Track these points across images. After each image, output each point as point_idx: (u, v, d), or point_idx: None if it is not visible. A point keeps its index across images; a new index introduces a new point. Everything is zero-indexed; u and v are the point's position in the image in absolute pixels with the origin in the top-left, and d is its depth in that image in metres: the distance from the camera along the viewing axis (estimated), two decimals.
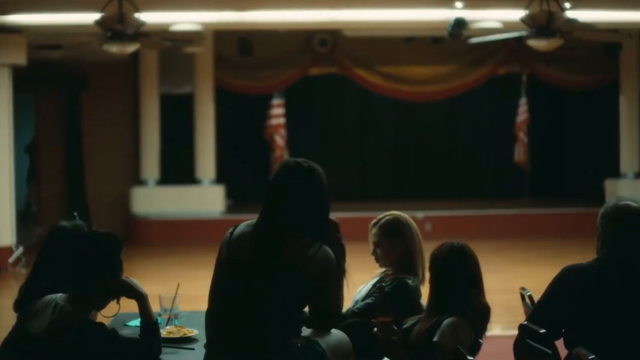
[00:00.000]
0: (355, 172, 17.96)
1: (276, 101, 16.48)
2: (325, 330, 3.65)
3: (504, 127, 17.25)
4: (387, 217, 4.81)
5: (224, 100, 16.27)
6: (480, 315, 4.09)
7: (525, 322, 3.82)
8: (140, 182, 15.06)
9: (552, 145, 17.47)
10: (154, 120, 15.01)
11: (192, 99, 15.08)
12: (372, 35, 14.62)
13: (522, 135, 16.93)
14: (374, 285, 4.73)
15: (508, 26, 10.74)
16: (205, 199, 14.95)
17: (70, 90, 15.38)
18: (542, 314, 3.77)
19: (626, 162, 15.52)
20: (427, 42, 14.89)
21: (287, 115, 16.72)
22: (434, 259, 4.15)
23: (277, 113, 16.53)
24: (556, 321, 3.71)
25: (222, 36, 14.77)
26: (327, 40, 15.27)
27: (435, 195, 17.23)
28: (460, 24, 10.28)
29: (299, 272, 3.41)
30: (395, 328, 3.89)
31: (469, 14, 10.45)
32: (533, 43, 9.26)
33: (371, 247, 4.82)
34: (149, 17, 9.67)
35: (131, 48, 9.22)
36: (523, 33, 9.28)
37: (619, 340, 3.59)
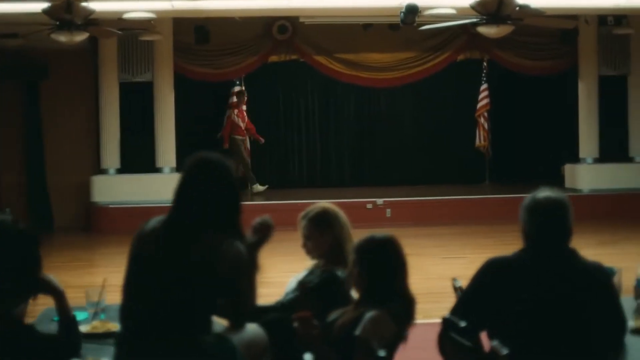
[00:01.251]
0: (317, 159, 17.97)
1: (237, 88, 16.49)
2: (240, 326, 3.65)
3: (466, 112, 17.35)
4: (315, 210, 4.82)
5: (186, 88, 16.23)
6: (406, 307, 4.10)
7: (447, 315, 3.80)
8: (100, 170, 14.96)
9: (513, 131, 17.58)
10: (113, 108, 14.91)
11: (151, 87, 14.98)
12: (331, 22, 14.58)
13: (482, 121, 17.05)
14: (305, 277, 4.74)
15: (462, 12, 10.75)
16: (166, 187, 14.62)
17: (30, 79, 15.25)
18: (465, 307, 3.72)
19: (585, 147, 15.61)
20: (385, 28, 14.89)
21: (250, 102, 16.73)
22: (358, 250, 4.14)
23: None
24: (479, 314, 3.65)
25: (180, 24, 14.69)
26: (287, 27, 15.22)
27: (398, 181, 17.28)
28: (412, 10, 10.27)
29: (208, 268, 3.41)
30: (315, 322, 3.90)
31: (421, 1, 10.44)
32: (483, 30, 9.27)
33: (301, 240, 4.82)
34: (103, 6, 9.62)
35: (79, 37, 9.16)
36: (473, 20, 9.28)
37: (540, 335, 3.54)
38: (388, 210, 14.78)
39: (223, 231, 3.53)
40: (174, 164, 15.10)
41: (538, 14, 9.35)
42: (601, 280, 3.68)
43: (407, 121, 17.97)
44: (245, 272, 3.59)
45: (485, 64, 16.82)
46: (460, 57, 16.26)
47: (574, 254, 3.69)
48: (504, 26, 9.02)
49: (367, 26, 14.73)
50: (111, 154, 14.95)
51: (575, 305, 3.57)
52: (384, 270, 4.07)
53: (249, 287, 3.67)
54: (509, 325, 3.60)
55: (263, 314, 4.16)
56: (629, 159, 15.60)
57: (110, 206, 14.67)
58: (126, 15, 11.23)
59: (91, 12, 8.90)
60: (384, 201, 14.81)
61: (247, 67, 15.52)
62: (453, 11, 10.64)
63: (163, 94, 14.98)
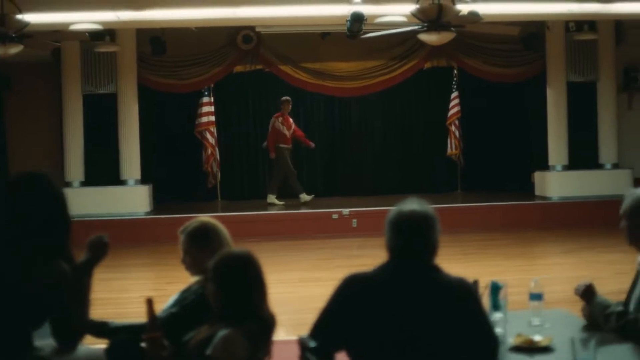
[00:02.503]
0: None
1: (205, 99, 16.41)
2: (69, 346, 3.52)
3: (438, 120, 17.25)
4: (194, 224, 4.68)
5: (152, 99, 16.16)
6: (262, 326, 3.97)
7: (303, 335, 3.66)
8: (65, 183, 14.84)
9: (484, 138, 17.45)
10: (77, 120, 14.81)
11: (115, 99, 14.88)
12: (287, 32, 14.49)
13: (453, 129, 16.95)
14: (181, 294, 4.61)
15: (412, 20, 10.62)
16: (130, 199, 14.78)
17: None
18: (322, 326, 3.58)
19: (554, 154, 15.47)
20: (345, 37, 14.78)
21: (218, 112, 16.66)
22: (214, 267, 4.00)
23: (207, 111, 16.47)
24: (336, 333, 3.49)
25: (141, 35, 14.61)
26: (252, 37, 15.13)
27: (370, 191, 17.17)
28: (358, 18, 10.15)
29: (22, 288, 3.29)
30: (165, 343, 3.78)
31: (367, 9, 10.31)
32: (424, 37, 9.14)
33: (181, 255, 4.68)
34: (46, 18, 9.51)
35: (14, 49, 9.05)
36: (415, 27, 9.14)
37: (399, 353, 3.38)
38: (354, 221, 14.65)
39: (45, 249, 3.40)
40: (138, 176, 15.01)
41: (476, 20, 9.21)
42: (464, 296, 3.54)
43: (378, 130, 17.86)
44: (68, 290, 3.46)
45: (455, 71, 16.72)
46: (428, 65, 16.14)
47: (436, 270, 3.56)
48: (445, 33, 8.89)
49: (324, 35, 14.61)
50: (75, 167, 14.84)
51: (436, 322, 3.43)
52: (239, 288, 3.93)
53: (74, 306, 3.53)
54: (367, 344, 3.46)
55: (113, 334, 4.03)
56: (599, 166, 15.44)
57: (75, 219, 14.48)
58: (72, 27, 11.12)
59: (25, 24, 8.80)
60: (350, 211, 14.68)
61: (212, 77, 15.43)
62: (402, 18, 10.50)
63: (127, 105, 14.88)
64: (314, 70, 15.51)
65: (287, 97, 15.66)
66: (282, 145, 15.51)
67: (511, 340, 3.92)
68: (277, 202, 15.71)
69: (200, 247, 4.60)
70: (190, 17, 11.40)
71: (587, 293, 4.22)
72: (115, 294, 9.58)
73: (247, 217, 14.83)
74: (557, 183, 15.27)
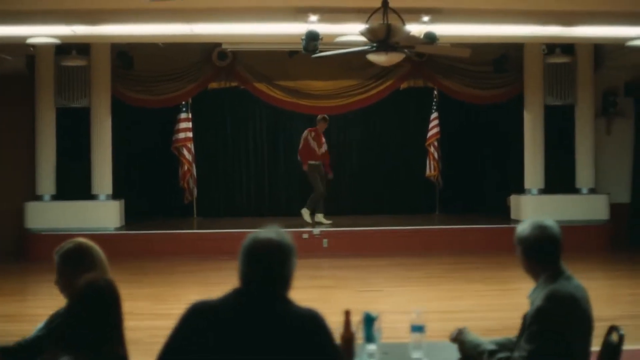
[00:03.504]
0: (265, 188, 17.77)
1: (183, 115, 16.36)
2: None
3: (417, 141, 17.15)
4: (68, 245, 4.52)
5: (128, 114, 16.10)
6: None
7: None
8: (36, 197, 14.78)
9: (463, 160, 17.34)
10: (50, 134, 14.75)
11: (88, 113, 14.82)
12: (254, 49, 14.43)
13: (432, 150, 16.84)
14: (50, 317, 4.47)
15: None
16: (101, 214, 14.70)
17: None
18: (165, 354, 3.47)
19: (530, 177, 15.33)
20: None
21: (196, 128, 16.61)
22: (73, 293, 3.88)
23: (184, 127, 16.42)
24: None
25: (113, 50, 14.58)
26: (227, 53, 15.06)
27: (348, 211, 17.04)
28: (312, 37, 10.05)
29: None
30: None
31: (322, 28, 10.23)
32: (373, 57, 9.03)
33: (55, 277, 4.53)
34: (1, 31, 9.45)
35: None
36: (365, 47, 9.04)
37: None
38: (325, 241, 14.53)
39: None
40: (110, 191, 14.93)
41: (430, 41, 9.11)
42: (311, 329, 3.40)
43: (356, 150, 17.79)
44: None
45: (435, 92, 16.61)
46: (404, 85, 16.05)
47: (285, 302, 3.42)
48: (393, 54, 8.77)
49: (292, 53, 14.53)
50: (47, 180, 14.78)
51: (279, 355, 3.30)
52: (89, 317, 3.78)
53: None
54: None
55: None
56: (575, 190, 15.28)
57: (45, 233, 14.45)
58: (30, 41, 11.06)
59: None
60: (321, 231, 14.56)
61: (186, 93, 15.37)
62: (361, 38, 10.38)
63: (100, 120, 14.81)
64: (289, 89, 15.43)
65: (325, 115, 15.40)
66: (310, 162, 15.28)
67: None
68: (325, 221, 15.31)
69: (73, 269, 4.43)
70: (147, 32, 11.30)
71: (460, 338, 4.10)
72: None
73: (220, 234, 14.73)
74: (532, 207, 15.11)
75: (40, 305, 8.14)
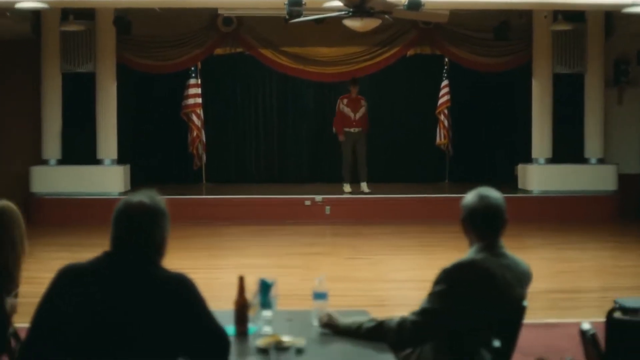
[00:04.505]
0: (274, 154, 17.76)
1: (192, 81, 16.37)
2: None
3: (427, 109, 17.01)
4: None
5: (137, 80, 16.16)
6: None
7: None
8: (41, 161, 14.92)
9: (473, 128, 17.17)
10: (55, 99, 14.84)
11: (94, 78, 14.88)
12: (249, 14, 14.34)
13: (443, 118, 16.70)
14: None
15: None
16: (106, 179, 14.79)
17: None
18: (37, 319, 3.44)
19: (537, 147, 15.14)
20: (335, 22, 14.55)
21: (205, 94, 16.63)
22: None
23: (194, 93, 16.43)
24: (49, 326, 3.29)
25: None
26: (232, 19, 15.00)
27: (355, 178, 16.93)
28: (295, 2, 9.96)
29: None
30: None
31: None
32: (349, 23, 8.94)
33: None
34: None
35: None
36: (341, 13, 8.94)
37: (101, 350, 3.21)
38: (327, 208, 14.50)
39: None
40: (115, 156, 15.02)
41: (415, 7, 8.95)
42: (179, 293, 3.38)
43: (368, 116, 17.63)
44: None
45: (446, 59, 16.42)
46: (411, 52, 15.90)
47: (153, 266, 3.41)
48: (368, 19, 8.68)
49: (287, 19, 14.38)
50: (52, 145, 14.89)
51: (145, 318, 3.27)
52: None
53: None
54: (72, 335, 3.28)
55: None
56: (584, 160, 15.06)
57: (50, 197, 14.59)
58: (18, 5, 11.08)
59: None
60: (323, 198, 14.53)
61: (192, 59, 15.35)
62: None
63: (105, 85, 14.87)
64: (295, 55, 15.34)
65: (354, 80, 15.11)
66: (346, 129, 15.00)
67: (259, 341, 3.77)
68: (347, 189, 15.13)
69: None
70: None
71: (331, 322, 4.02)
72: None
73: (221, 200, 14.78)
74: (538, 176, 14.96)
75: (44, 268, 8.21)
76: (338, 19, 9.09)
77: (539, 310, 8.30)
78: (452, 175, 17.23)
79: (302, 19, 9.93)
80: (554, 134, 15.08)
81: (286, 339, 3.79)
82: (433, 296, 3.85)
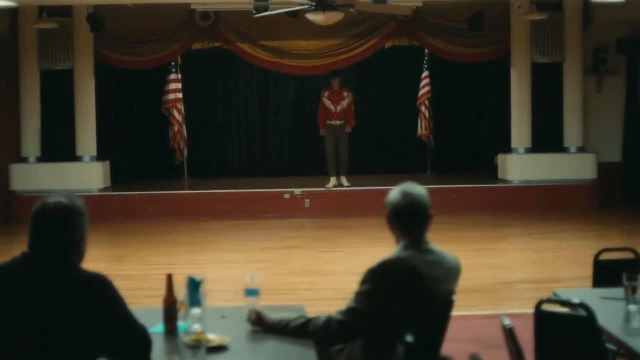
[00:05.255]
0: (255, 148, 17.75)
1: (173, 76, 16.35)
2: None
3: (408, 100, 17.00)
4: None
5: (116, 76, 16.14)
6: None
7: None
8: (21, 159, 14.90)
9: (454, 119, 17.15)
10: (34, 96, 14.83)
11: (72, 75, 14.85)
12: (221, 9, 14.32)
13: (423, 109, 16.69)
14: None
15: None
16: (85, 175, 14.78)
17: None
18: None
19: (517, 137, 15.13)
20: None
21: (186, 89, 16.61)
22: None
23: (174, 88, 16.41)
24: None
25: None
26: (209, 13, 14.97)
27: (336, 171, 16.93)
28: None
29: None
30: None
31: None
32: (311, 17, 8.93)
33: None
34: None
35: None
36: (304, 6, 8.92)
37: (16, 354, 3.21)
38: (307, 201, 14.50)
39: None
40: (94, 152, 15.01)
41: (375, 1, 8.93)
42: (95, 294, 3.36)
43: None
44: None
45: (426, 51, 16.39)
46: (389, 44, 15.86)
47: (68, 266, 3.40)
48: (330, 13, 8.66)
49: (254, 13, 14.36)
50: (31, 142, 14.88)
51: (60, 320, 3.26)
52: None
53: None
54: None
55: None
56: (563, 149, 15.06)
57: (30, 194, 14.56)
58: None
59: None
60: (302, 191, 14.53)
61: (170, 54, 15.33)
62: None
63: (83, 81, 14.85)
64: (273, 48, 15.31)
65: (335, 72, 14.96)
66: (327, 122, 14.86)
67: (185, 339, 3.77)
68: (330, 184, 14.93)
69: None
70: None
71: (259, 320, 4.01)
72: None
73: (202, 195, 14.79)
74: (518, 166, 14.96)
75: None
76: (305, 13, 9.02)
77: (505, 301, 8.34)
78: (433, 166, 17.23)
79: (267, 12, 9.90)
80: (533, 123, 15.07)
81: (211, 336, 3.80)
82: (359, 295, 3.85)
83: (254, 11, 10.29)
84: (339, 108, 14.81)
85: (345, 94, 14.88)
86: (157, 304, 4.06)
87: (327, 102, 14.83)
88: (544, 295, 8.75)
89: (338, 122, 14.85)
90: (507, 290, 8.86)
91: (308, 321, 3.89)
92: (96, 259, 10.93)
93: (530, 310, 7.83)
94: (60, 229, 3.41)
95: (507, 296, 8.66)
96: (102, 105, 15.28)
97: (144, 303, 7.10)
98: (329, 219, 13.99)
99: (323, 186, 14.77)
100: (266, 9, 10.02)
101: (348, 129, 14.88)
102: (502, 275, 9.37)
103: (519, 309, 7.94)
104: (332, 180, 14.90)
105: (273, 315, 4.00)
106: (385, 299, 3.80)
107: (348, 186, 14.79)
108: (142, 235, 12.73)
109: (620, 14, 14.26)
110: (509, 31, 15.07)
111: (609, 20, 14.82)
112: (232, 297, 7.81)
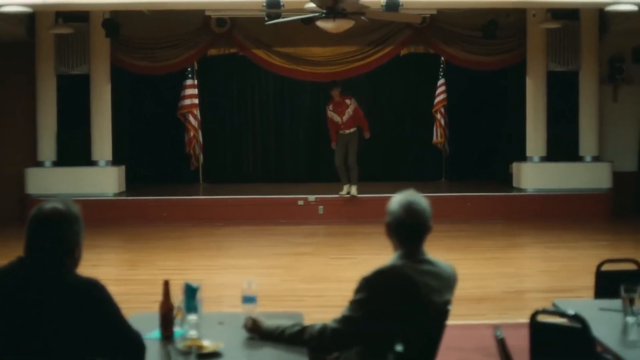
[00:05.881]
0: (271, 154, 17.79)
1: (189, 81, 16.42)
2: None
3: (424, 108, 17.00)
4: None
5: (132, 81, 16.24)
6: None
7: None
8: (37, 163, 15.01)
9: (470, 127, 17.12)
10: (50, 101, 14.94)
11: (88, 80, 14.96)
12: (236, 15, 14.38)
13: (439, 117, 16.68)
14: None
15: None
16: (100, 180, 14.86)
17: None
18: None
19: (532, 145, 15.10)
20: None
21: (202, 94, 16.68)
22: None
23: (190, 93, 16.48)
24: None
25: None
26: (225, 20, 15.04)
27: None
28: (272, 4, 9.98)
29: None
30: None
31: None
32: (321, 24, 8.96)
33: None
34: None
35: None
36: (315, 14, 8.95)
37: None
38: (320, 207, 14.52)
39: None
40: (110, 157, 15.10)
41: (394, 9, 8.95)
42: (90, 298, 3.40)
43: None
44: None
45: (443, 58, 16.38)
46: (405, 52, 15.88)
47: (64, 270, 3.43)
48: (340, 21, 8.68)
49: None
50: (48, 147, 14.99)
51: (55, 324, 3.30)
52: None
53: None
54: None
55: None
56: (578, 158, 15.01)
57: (45, 198, 14.59)
58: (1, 10, 11.15)
59: None
60: (316, 198, 14.55)
61: (185, 60, 15.40)
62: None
63: (99, 86, 14.95)
64: (288, 55, 15.36)
65: (334, 83, 14.81)
66: (339, 132, 14.61)
67: (179, 345, 3.79)
68: (343, 192, 14.70)
69: None
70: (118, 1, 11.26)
71: (255, 327, 4.02)
72: None
73: (215, 200, 14.83)
74: (533, 175, 14.92)
75: None
76: (315, 21, 9.06)
77: (513, 310, 8.30)
78: (448, 174, 17.21)
79: (278, 20, 9.94)
80: (548, 132, 15.04)
81: (206, 343, 3.81)
82: (354, 304, 3.85)
83: (266, 18, 10.34)
84: (345, 118, 14.56)
85: (348, 102, 14.59)
86: None
87: (333, 115, 14.61)
88: (548, 304, 8.75)
89: (347, 132, 14.60)
90: (515, 300, 8.83)
91: (303, 329, 3.91)
92: (109, 264, 11.09)
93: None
94: (55, 233, 3.44)
95: (516, 305, 8.62)
96: (118, 110, 15.38)
97: (153, 308, 7.16)
98: (342, 225, 14.00)
99: (337, 193, 14.75)
100: (278, 17, 10.06)
101: (367, 134, 14.64)
102: (512, 285, 9.34)
103: (526, 318, 7.92)
104: (345, 188, 14.73)
105: (269, 323, 4.01)
106: (379, 307, 3.81)
107: (357, 196, 14.58)
108: (156, 240, 12.77)
109: (636, 23, 14.20)
110: (525, 39, 15.04)
111: (625, 29, 14.75)
112: (239, 303, 7.82)
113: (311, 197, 14.53)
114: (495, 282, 9.22)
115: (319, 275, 9.92)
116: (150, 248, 12.09)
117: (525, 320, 7.67)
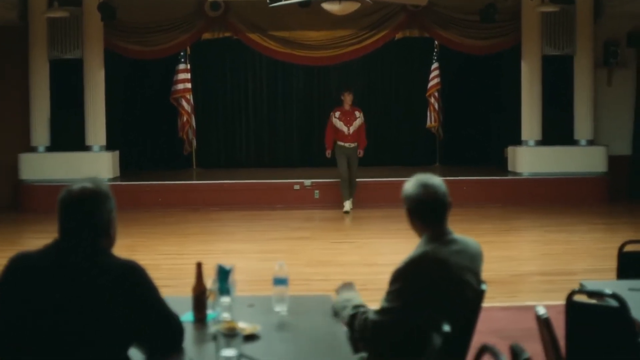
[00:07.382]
0: (264, 139, 17.72)
1: (182, 66, 16.32)
2: None
3: (417, 91, 16.98)
4: None
5: (125, 66, 16.12)
6: None
7: None
8: (30, 148, 14.89)
9: (464, 111, 17.11)
10: (43, 86, 14.80)
11: (81, 64, 14.82)
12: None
13: (433, 101, 16.66)
14: None
15: None
16: (95, 165, 14.74)
17: None
18: None
19: (527, 129, 15.10)
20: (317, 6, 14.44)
21: (195, 79, 16.59)
22: None
23: (183, 78, 16.39)
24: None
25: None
26: (219, 3, 14.95)
27: None
28: None
29: None
30: None
31: None
32: (327, 7, 8.94)
33: None
34: None
35: None
36: None
37: (49, 341, 3.17)
38: (316, 192, 14.49)
39: None
40: (104, 142, 14.98)
41: None
42: (128, 281, 3.34)
43: (357, 100, 17.54)
44: None
45: (436, 42, 16.34)
46: (400, 36, 15.84)
47: (101, 253, 3.37)
48: (346, 3, 8.66)
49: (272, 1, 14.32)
50: (41, 132, 14.86)
51: (93, 307, 3.24)
52: None
53: None
54: (20, 327, 3.22)
55: None
56: (573, 142, 15.03)
57: (39, 184, 14.57)
58: None
59: None
60: (312, 182, 14.51)
61: (179, 44, 15.30)
62: None
63: (93, 71, 14.82)
64: (283, 39, 15.27)
65: (348, 87, 14.09)
66: (339, 143, 13.66)
67: (215, 327, 3.75)
68: (346, 207, 13.78)
69: None
70: None
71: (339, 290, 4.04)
72: None
73: (211, 185, 14.77)
74: (528, 158, 14.94)
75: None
76: (320, 3, 9.01)
77: (519, 293, 8.32)
78: (442, 158, 17.22)
79: (282, 2, 9.89)
80: (543, 115, 15.04)
81: (242, 325, 3.78)
82: (390, 295, 3.84)
83: (268, 1, 10.28)
84: (352, 129, 13.66)
85: (357, 114, 13.75)
86: (170, 293, 4.02)
87: (339, 124, 13.63)
88: (558, 287, 8.80)
89: (351, 145, 13.70)
90: (520, 283, 8.85)
91: (353, 316, 3.90)
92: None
93: (547, 302, 7.84)
94: (86, 214, 3.36)
95: (521, 288, 8.64)
96: (112, 95, 15.26)
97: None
98: (338, 210, 13.97)
99: (332, 177, 14.71)
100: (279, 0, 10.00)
101: (361, 154, 13.86)
102: (515, 268, 9.36)
103: (534, 301, 7.94)
104: (347, 205, 13.79)
105: (340, 296, 4.07)
106: (416, 294, 3.79)
107: (349, 211, 13.76)
108: (152, 226, 12.72)
109: (631, 7, 14.27)
110: (520, 23, 15.01)
111: (620, 13, 14.80)
112: (246, 287, 7.74)
113: (307, 182, 14.50)
114: (499, 266, 9.22)
115: (322, 259, 9.90)
116: (148, 233, 12.03)
117: (534, 302, 7.74)
